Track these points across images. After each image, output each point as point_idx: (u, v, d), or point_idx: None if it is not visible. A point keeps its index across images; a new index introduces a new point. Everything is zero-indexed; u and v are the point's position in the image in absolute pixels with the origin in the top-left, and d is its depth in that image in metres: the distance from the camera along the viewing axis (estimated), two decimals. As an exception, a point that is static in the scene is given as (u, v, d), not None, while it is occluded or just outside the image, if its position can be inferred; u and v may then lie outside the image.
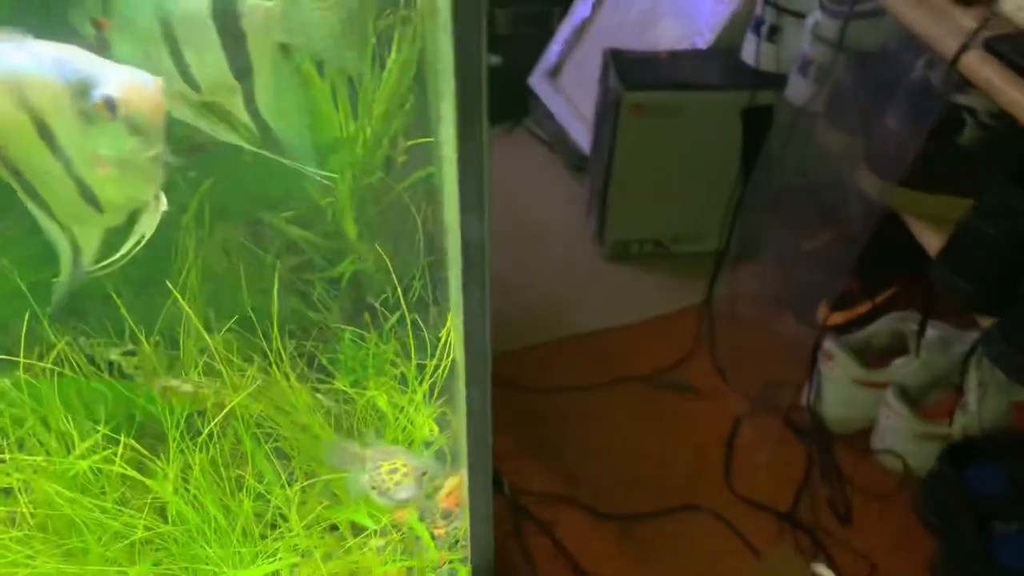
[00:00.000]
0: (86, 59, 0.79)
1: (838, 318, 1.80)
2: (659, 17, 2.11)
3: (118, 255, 0.84)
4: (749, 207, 1.83)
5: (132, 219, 0.85)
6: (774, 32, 1.86)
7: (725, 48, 1.97)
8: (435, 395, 0.99)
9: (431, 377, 0.97)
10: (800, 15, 1.79)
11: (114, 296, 0.90)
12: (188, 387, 0.98)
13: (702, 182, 1.94)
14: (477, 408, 0.69)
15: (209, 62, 0.85)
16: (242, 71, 0.86)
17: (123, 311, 0.91)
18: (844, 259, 1.68)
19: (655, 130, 1.90)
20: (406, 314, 0.94)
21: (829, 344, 1.68)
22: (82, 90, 0.77)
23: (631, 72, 1.90)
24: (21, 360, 0.88)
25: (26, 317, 0.89)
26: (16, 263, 0.89)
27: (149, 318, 0.99)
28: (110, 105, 0.77)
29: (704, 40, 2.01)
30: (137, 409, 0.94)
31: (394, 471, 0.80)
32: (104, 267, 0.87)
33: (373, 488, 0.79)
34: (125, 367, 1.00)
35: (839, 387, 1.68)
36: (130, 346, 1.00)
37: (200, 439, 0.85)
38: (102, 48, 0.84)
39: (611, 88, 1.91)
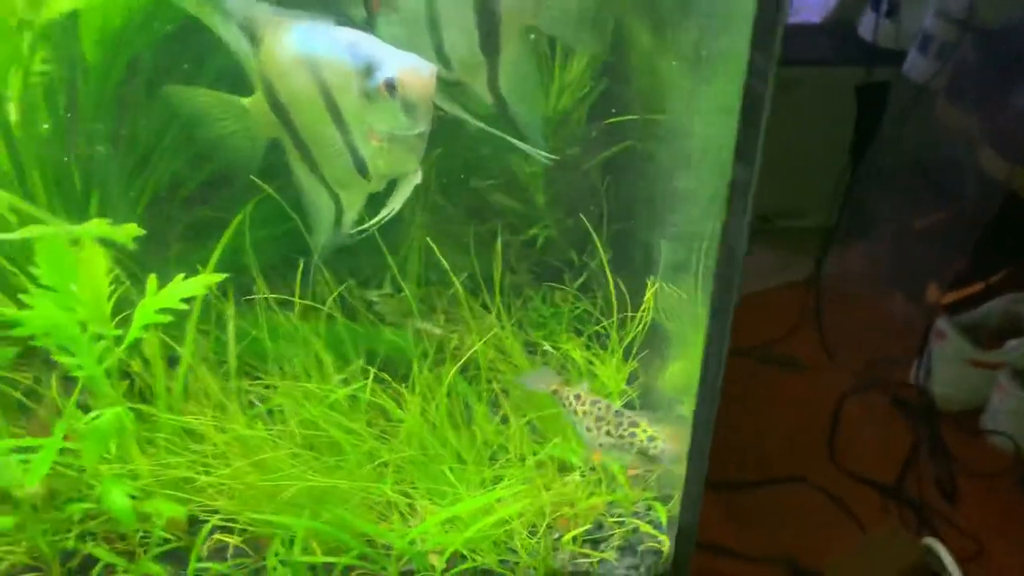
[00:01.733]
0: (374, 44, 0.93)
1: (950, 297, 1.88)
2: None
3: (378, 218, 1.00)
4: (861, 184, 1.90)
5: (390, 187, 1.00)
6: (893, 8, 1.93)
7: (840, 23, 2.04)
8: (633, 353, 1.15)
9: (632, 334, 1.13)
10: (921, -9, 1.88)
11: (385, 252, 1.06)
12: (438, 330, 1.16)
13: (812, 157, 1.99)
14: (712, 368, 0.82)
15: (463, 42, 0.97)
16: (491, 51, 0.98)
17: (391, 264, 1.08)
18: (959, 239, 1.76)
19: (766, 103, 1.99)
20: (609, 278, 1.09)
21: (941, 323, 1.76)
22: (368, 72, 0.92)
23: (743, 44, 1.99)
24: (296, 300, 1.05)
25: (300, 265, 1.06)
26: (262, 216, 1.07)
27: (379, 269, 1.17)
28: (391, 87, 0.91)
29: (818, 14, 2.09)
30: (383, 347, 1.12)
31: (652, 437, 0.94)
32: (365, 229, 1.02)
33: (631, 450, 0.94)
34: (379, 310, 1.18)
35: (950, 366, 1.76)
36: (387, 290, 1.17)
37: (450, 374, 1.01)
38: (369, 29, 0.96)
39: (723, 60, 2.01)
